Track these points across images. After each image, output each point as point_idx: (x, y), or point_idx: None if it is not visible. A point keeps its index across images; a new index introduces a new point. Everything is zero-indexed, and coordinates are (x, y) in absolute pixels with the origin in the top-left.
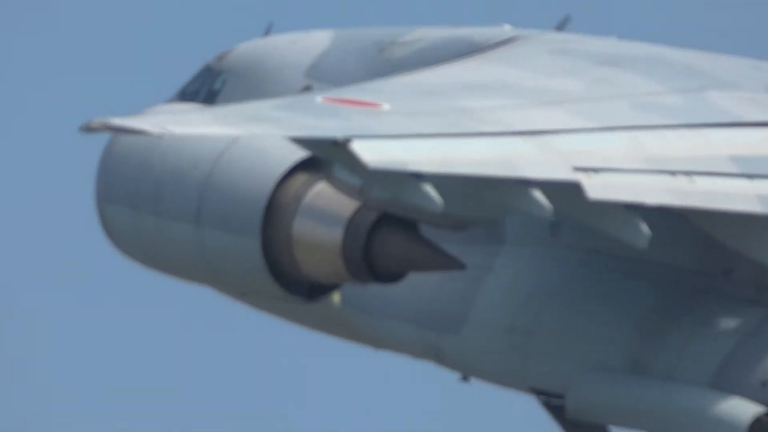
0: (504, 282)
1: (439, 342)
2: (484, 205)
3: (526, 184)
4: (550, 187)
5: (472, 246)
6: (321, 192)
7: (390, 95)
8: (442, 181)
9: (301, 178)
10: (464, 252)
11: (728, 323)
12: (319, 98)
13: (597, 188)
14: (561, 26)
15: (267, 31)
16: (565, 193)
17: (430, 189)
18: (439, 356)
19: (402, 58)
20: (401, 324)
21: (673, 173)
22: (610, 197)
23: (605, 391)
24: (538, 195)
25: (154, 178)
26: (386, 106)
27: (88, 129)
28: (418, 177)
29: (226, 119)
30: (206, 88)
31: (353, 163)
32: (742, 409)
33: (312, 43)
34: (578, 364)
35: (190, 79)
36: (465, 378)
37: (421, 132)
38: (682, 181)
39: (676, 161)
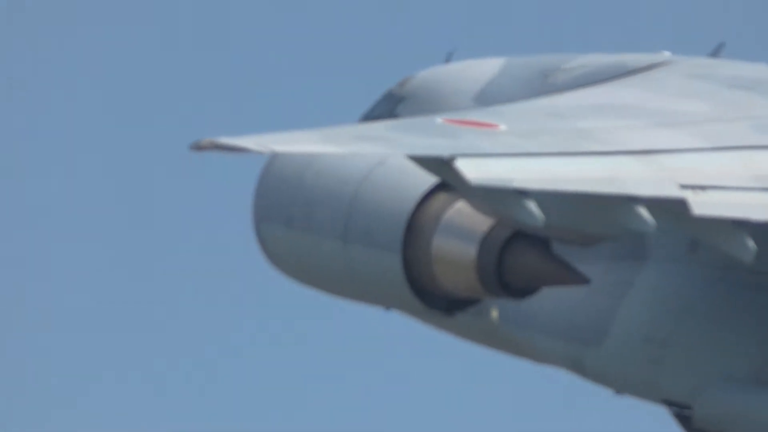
0: (644, 296)
1: (581, 354)
2: (596, 221)
3: (632, 200)
4: (656, 203)
5: (617, 263)
6: (459, 210)
7: (512, 117)
8: (553, 198)
9: (441, 198)
10: (609, 269)
11: None
12: (439, 120)
13: (702, 205)
14: (715, 53)
15: (448, 58)
16: (672, 209)
17: (532, 205)
18: (581, 368)
19: (564, 84)
20: (549, 338)
21: None
22: (715, 213)
23: (729, 403)
24: (643, 211)
25: (307, 197)
26: (503, 127)
27: (198, 148)
28: (521, 194)
29: (334, 138)
30: (388, 113)
31: (458, 180)
32: None
33: (483, 69)
34: (707, 375)
35: (374, 104)
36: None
37: (531, 151)
38: None
39: None
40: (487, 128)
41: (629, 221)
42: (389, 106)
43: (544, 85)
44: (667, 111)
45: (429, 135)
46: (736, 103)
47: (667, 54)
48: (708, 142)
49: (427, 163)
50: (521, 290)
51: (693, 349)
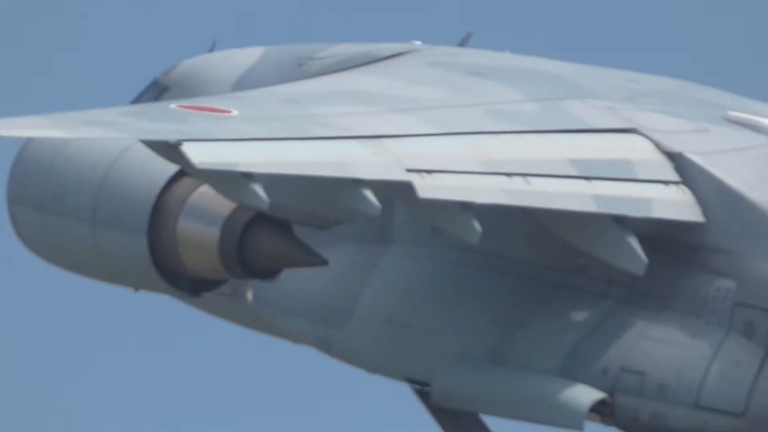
0: (387, 278)
1: (328, 335)
2: (324, 204)
3: (357, 183)
4: (382, 186)
5: (364, 245)
6: (203, 194)
7: (246, 103)
8: (282, 182)
9: (187, 182)
10: (357, 251)
11: (578, 316)
12: (173, 105)
13: (428, 188)
14: (463, 42)
15: (211, 47)
16: (399, 192)
17: (257, 188)
18: (329, 349)
19: (315, 72)
20: (300, 318)
21: (509, 175)
22: (440, 196)
23: (464, 380)
24: (369, 194)
25: (58, 182)
26: (235, 113)
27: None
28: (247, 177)
29: (63, 123)
30: (153, 101)
31: (186, 164)
32: (585, 394)
33: (242, 58)
34: (445, 354)
35: (141, 92)
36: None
37: (258, 136)
38: (517, 182)
39: (514, 164)
40: (219, 114)
41: (355, 204)
42: (154, 94)
43: (298, 73)
44: (402, 97)
45: (160, 120)
46: (471, 90)
47: (417, 43)
48: (439, 127)
49: (157, 147)
50: (263, 271)
51: (432, 329)
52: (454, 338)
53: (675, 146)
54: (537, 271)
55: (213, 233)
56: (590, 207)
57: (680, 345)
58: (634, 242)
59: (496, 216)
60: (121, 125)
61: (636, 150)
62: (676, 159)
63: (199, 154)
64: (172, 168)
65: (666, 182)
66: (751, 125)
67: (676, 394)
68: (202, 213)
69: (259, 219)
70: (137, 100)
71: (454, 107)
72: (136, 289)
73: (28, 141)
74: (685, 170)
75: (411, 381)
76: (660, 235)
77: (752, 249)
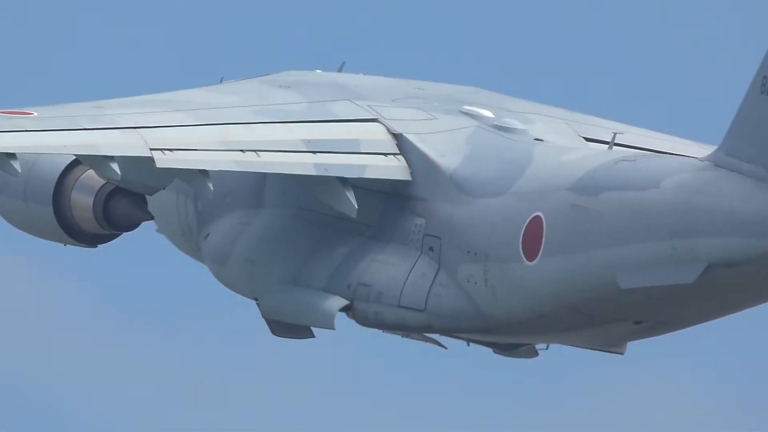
0: (253, 232)
1: (219, 271)
2: (105, 175)
3: (107, 159)
4: (132, 160)
5: (249, 210)
6: (89, 174)
7: (57, 108)
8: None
9: (81, 168)
10: (244, 214)
11: (340, 249)
12: None
13: (166, 161)
14: (340, 69)
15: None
16: (145, 164)
17: (15, 163)
18: (222, 281)
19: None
20: (212, 263)
21: (244, 151)
22: (175, 166)
23: (271, 297)
24: (114, 166)
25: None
26: (36, 114)
27: None
28: (9, 156)
29: None
30: None
31: None
32: (335, 302)
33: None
34: (270, 280)
35: None
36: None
37: (28, 128)
38: (249, 155)
39: (252, 143)
40: (20, 115)
41: (107, 173)
42: None
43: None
44: (197, 102)
45: None
46: (262, 96)
47: (318, 72)
48: (200, 120)
49: None
50: (125, 226)
51: (264, 263)
52: (276, 268)
53: (399, 129)
54: (328, 220)
55: (89, 202)
56: (310, 171)
57: (392, 265)
58: (350, 195)
59: (309, 182)
60: None
61: (369, 132)
62: (398, 138)
63: None
64: (70, 159)
65: (386, 154)
66: (473, 115)
67: (387, 299)
68: (85, 188)
69: (118, 190)
70: None
71: (232, 108)
72: (65, 245)
73: None
74: (402, 145)
75: (256, 300)
76: (393, 191)
77: (435, 197)
